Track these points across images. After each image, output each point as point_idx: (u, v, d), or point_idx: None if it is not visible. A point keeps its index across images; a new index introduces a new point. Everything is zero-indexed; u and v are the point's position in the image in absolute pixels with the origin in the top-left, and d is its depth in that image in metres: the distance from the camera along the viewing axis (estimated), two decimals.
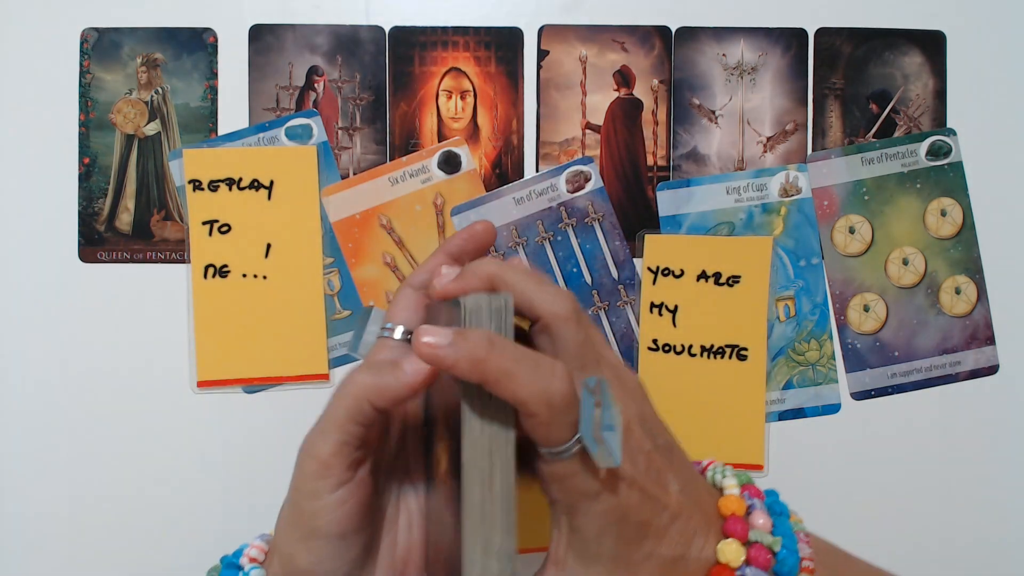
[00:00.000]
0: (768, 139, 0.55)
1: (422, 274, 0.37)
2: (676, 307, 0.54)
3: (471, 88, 0.54)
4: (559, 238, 0.54)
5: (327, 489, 0.32)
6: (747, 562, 0.32)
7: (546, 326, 0.32)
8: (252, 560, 0.35)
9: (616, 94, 0.55)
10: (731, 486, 0.35)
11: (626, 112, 0.55)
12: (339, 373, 0.53)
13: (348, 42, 0.54)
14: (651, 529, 0.31)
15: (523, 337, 0.33)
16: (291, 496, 0.34)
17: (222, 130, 0.54)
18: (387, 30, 0.54)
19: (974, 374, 0.55)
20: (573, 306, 0.32)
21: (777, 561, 0.33)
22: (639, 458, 0.31)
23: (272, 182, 0.53)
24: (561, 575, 0.31)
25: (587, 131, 0.55)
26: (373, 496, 0.34)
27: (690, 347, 0.54)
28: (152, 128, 0.54)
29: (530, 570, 0.32)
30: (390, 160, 0.54)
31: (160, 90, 0.54)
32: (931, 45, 0.55)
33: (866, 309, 0.55)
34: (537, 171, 0.54)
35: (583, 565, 0.31)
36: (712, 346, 0.54)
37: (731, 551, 0.32)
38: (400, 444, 0.38)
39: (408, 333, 0.35)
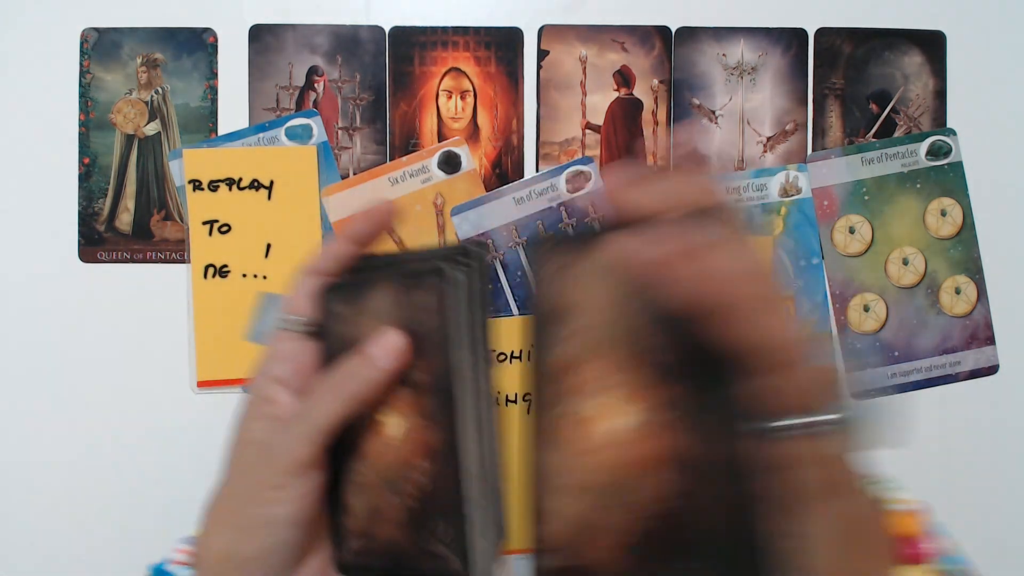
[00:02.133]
0: (768, 139, 0.55)
1: (323, 260, 0.36)
2: None
3: (471, 88, 0.54)
4: None
5: (294, 484, 0.32)
6: None
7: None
8: (178, 563, 0.35)
9: (616, 94, 0.55)
10: (902, 500, 0.29)
11: (626, 112, 0.55)
12: None
13: (348, 42, 0.54)
14: (857, 542, 0.25)
15: None
16: (241, 488, 0.33)
17: (222, 130, 0.54)
18: (387, 30, 0.54)
19: (974, 374, 0.55)
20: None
21: None
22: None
23: (272, 182, 0.53)
24: None
25: (587, 131, 0.55)
26: (324, 485, 0.34)
27: None
28: (152, 128, 0.54)
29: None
30: (390, 160, 0.54)
31: (160, 90, 0.54)
32: (931, 45, 0.55)
33: (866, 309, 0.55)
34: (537, 171, 0.54)
35: None
36: None
37: None
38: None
39: (309, 324, 0.35)
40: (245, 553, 0.32)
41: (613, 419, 0.26)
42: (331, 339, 0.36)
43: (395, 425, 0.33)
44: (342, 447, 0.35)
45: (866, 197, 0.55)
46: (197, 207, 0.53)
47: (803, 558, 0.24)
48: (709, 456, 0.24)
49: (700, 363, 0.24)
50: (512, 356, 0.51)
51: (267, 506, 0.32)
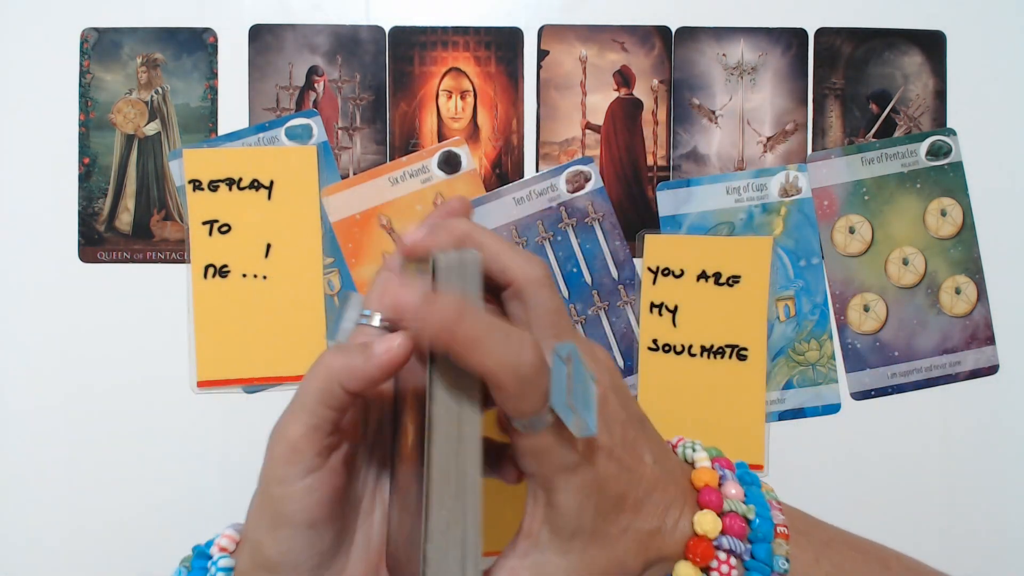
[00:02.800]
0: (768, 139, 0.55)
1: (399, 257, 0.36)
2: (676, 307, 0.54)
3: (471, 88, 0.54)
4: (559, 238, 0.54)
5: (297, 475, 0.31)
6: (723, 532, 0.32)
7: (519, 291, 0.32)
8: (222, 549, 0.34)
9: (616, 94, 0.55)
10: (702, 459, 0.35)
11: (626, 112, 0.55)
12: None
13: (348, 42, 0.54)
14: (628, 502, 0.31)
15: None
16: (261, 482, 0.33)
17: (222, 130, 0.54)
18: (387, 30, 0.54)
19: (974, 374, 0.55)
20: (545, 271, 0.32)
21: (752, 529, 0.33)
22: (615, 428, 0.31)
23: (272, 182, 0.53)
24: (534, 550, 0.31)
25: (587, 131, 0.55)
26: (346, 486, 0.33)
27: (690, 347, 0.54)
28: (152, 128, 0.54)
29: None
30: (390, 160, 0.54)
31: (160, 90, 0.54)
32: (931, 45, 0.55)
33: (866, 309, 0.55)
34: (537, 171, 0.54)
35: (558, 540, 0.30)
36: (712, 346, 0.54)
37: (708, 522, 0.32)
38: (377, 433, 0.36)
39: (387, 320, 0.34)
40: (269, 555, 0.32)
41: (408, 435, 0.33)
42: None
43: (409, 434, 0.33)
44: (396, 445, 0.35)
45: (866, 197, 0.55)
46: (197, 207, 0.53)
47: (565, 521, 0.30)
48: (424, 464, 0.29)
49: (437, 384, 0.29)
50: None
51: (277, 504, 0.32)
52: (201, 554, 0.35)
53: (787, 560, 0.33)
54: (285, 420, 0.32)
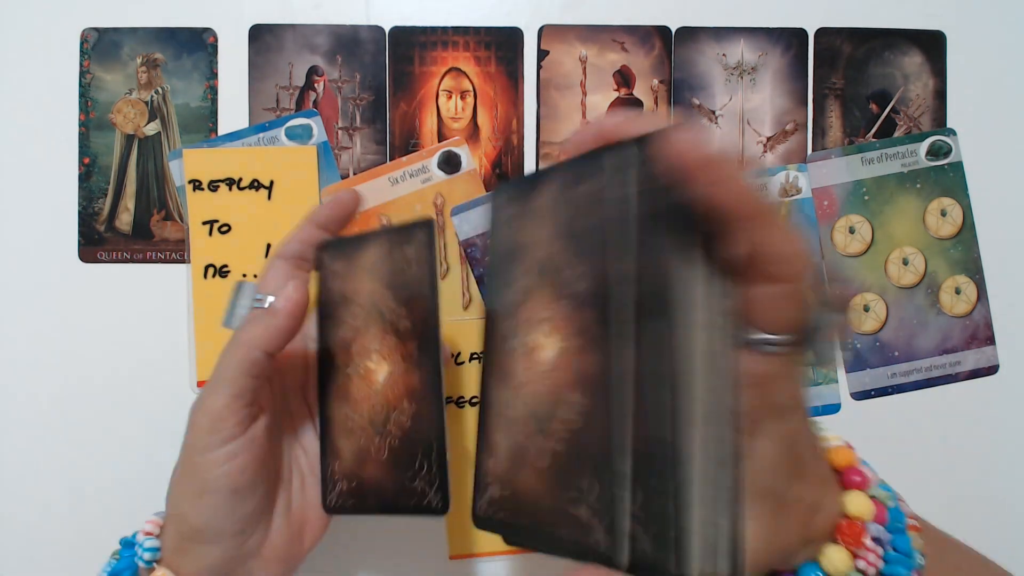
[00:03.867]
0: (768, 139, 0.55)
1: (292, 244, 0.38)
2: None
3: (471, 88, 0.54)
4: None
5: (218, 443, 0.33)
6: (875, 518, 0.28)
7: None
8: (147, 534, 0.35)
9: (616, 94, 0.55)
10: (834, 438, 0.31)
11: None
12: None
13: (348, 42, 0.54)
14: (806, 468, 0.27)
15: None
16: (183, 454, 0.35)
17: (222, 130, 0.54)
18: (387, 30, 0.54)
19: (974, 374, 0.55)
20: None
21: (890, 517, 0.29)
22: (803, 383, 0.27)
23: (272, 182, 0.53)
24: None
25: None
26: (266, 455, 0.35)
27: None
28: (152, 128, 0.54)
29: (555, 571, 0.32)
30: (390, 160, 0.54)
31: (160, 90, 0.54)
32: (931, 45, 0.55)
33: (866, 309, 0.55)
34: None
35: (749, 502, 0.26)
36: None
37: (862, 504, 0.28)
38: (284, 405, 0.39)
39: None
40: (194, 524, 0.33)
41: (541, 351, 0.27)
42: (326, 294, 0.38)
43: (380, 371, 0.35)
44: (332, 394, 0.37)
45: (866, 197, 0.55)
46: (197, 207, 0.53)
47: (760, 477, 0.25)
48: (607, 375, 0.23)
49: (610, 289, 0.24)
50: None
51: (200, 472, 0.34)
52: (128, 544, 0.36)
53: (923, 555, 0.29)
54: (206, 393, 0.34)
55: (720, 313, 0.23)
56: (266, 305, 0.36)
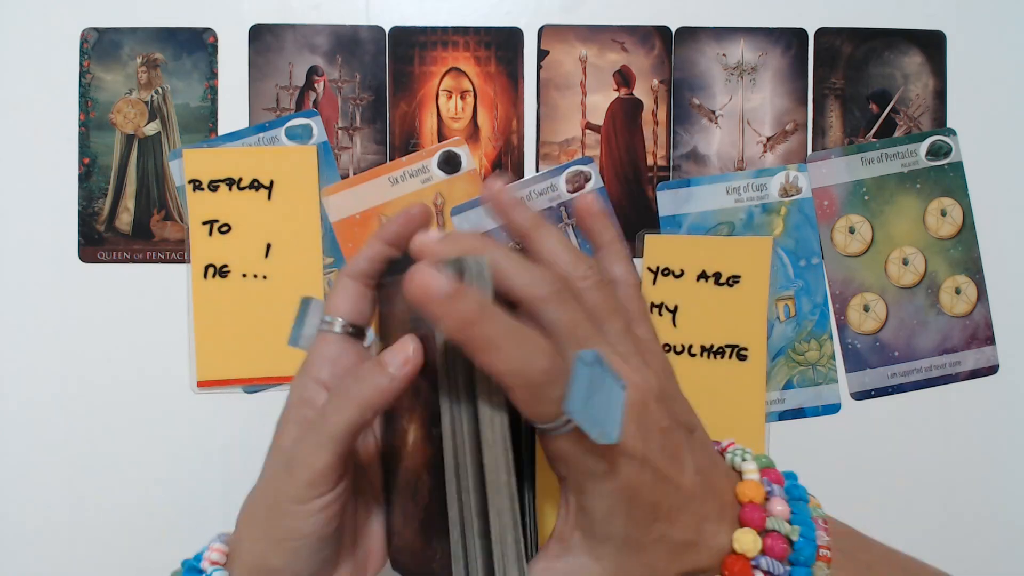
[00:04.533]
0: (768, 139, 0.55)
1: (360, 263, 0.36)
2: (676, 307, 0.54)
3: (471, 88, 0.54)
4: None
5: (316, 496, 0.32)
6: (763, 552, 0.31)
7: (529, 309, 0.31)
8: (213, 563, 0.34)
9: (616, 94, 0.55)
10: (750, 471, 0.33)
11: (626, 112, 0.55)
12: None
13: (348, 42, 0.54)
14: (662, 511, 0.30)
15: None
16: (270, 497, 0.33)
17: (222, 130, 0.54)
18: (387, 30, 0.54)
19: (974, 374, 0.55)
20: (552, 287, 0.30)
21: (794, 550, 0.31)
22: (653, 435, 0.30)
23: (272, 182, 0.53)
24: (567, 553, 0.30)
25: (587, 131, 0.55)
26: (351, 501, 0.34)
27: (690, 347, 0.54)
28: (152, 128, 0.54)
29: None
30: (390, 160, 0.54)
31: (160, 90, 0.54)
32: (931, 45, 0.55)
33: (866, 309, 0.55)
34: (537, 171, 0.54)
35: (590, 545, 0.30)
36: (712, 346, 0.54)
37: (747, 541, 0.31)
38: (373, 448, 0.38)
39: (348, 326, 0.35)
40: (272, 565, 0.33)
41: (408, 434, 0.33)
42: (383, 325, 0.36)
43: (410, 431, 0.33)
44: (390, 448, 0.36)
45: (866, 197, 0.55)
46: (197, 207, 0.53)
47: (596, 527, 0.30)
48: (446, 461, 0.29)
49: (448, 384, 0.29)
50: None
51: (290, 519, 0.32)
52: (192, 568, 0.35)
53: None
54: (311, 447, 0.32)
55: (483, 415, 0.28)
56: (336, 329, 0.35)
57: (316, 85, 0.54)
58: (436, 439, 0.30)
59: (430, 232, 0.32)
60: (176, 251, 0.54)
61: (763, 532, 0.31)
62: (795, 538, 0.32)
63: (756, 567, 0.31)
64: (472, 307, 0.27)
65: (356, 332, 0.35)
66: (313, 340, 0.36)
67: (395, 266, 0.36)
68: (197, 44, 0.54)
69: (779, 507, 0.32)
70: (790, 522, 0.32)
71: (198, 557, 0.35)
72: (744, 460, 0.34)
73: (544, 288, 0.31)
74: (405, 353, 0.31)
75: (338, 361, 0.34)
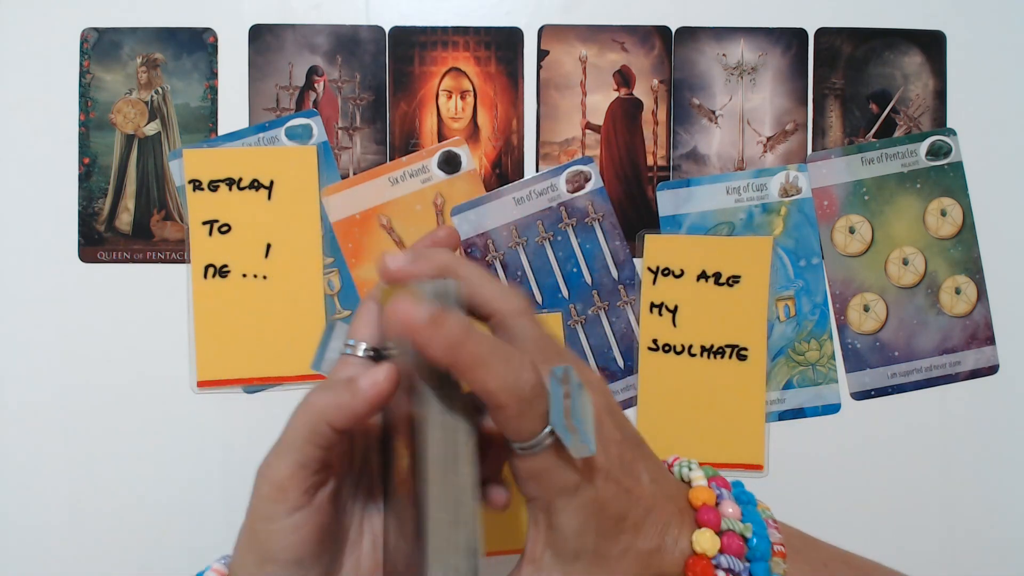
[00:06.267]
0: (768, 139, 0.55)
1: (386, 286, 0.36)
2: (676, 307, 0.54)
3: (471, 88, 0.54)
4: (559, 238, 0.54)
5: (283, 513, 0.31)
6: (721, 550, 0.32)
7: (501, 322, 0.32)
8: None
9: (616, 94, 0.55)
10: (699, 478, 0.35)
11: (626, 112, 0.55)
12: None
13: (348, 42, 0.54)
14: (628, 522, 0.31)
15: None
16: (247, 519, 0.32)
17: (222, 130, 0.54)
18: (387, 30, 0.54)
19: (974, 374, 0.55)
20: (524, 302, 0.32)
21: (749, 548, 0.33)
22: (611, 449, 0.31)
23: (272, 182, 0.53)
24: (538, 574, 0.31)
25: (587, 131, 0.55)
26: (332, 521, 0.33)
27: (690, 347, 0.54)
28: (152, 128, 0.54)
29: (504, 571, 0.32)
30: (390, 160, 0.54)
31: (160, 90, 0.54)
32: (931, 45, 0.55)
33: (866, 309, 0.55)
34: (537, 171, 0.54)
35: (561, 563, 0.31)
36: (712, 346, 0.54)
37: (706, 540, 0.32)
38: (363, 464, 0.37)
39: (370, 350, 0.34)
40: None
41: (401, 460, 0.33)
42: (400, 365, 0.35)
43: (403, 460, 0.33)
44: (390, 461, 0.35)
45: (866, 197, 0.55)
46: (197, 207, 0.53)
47: (568, 543, 0.30)
48: (422, 490, 0.29)
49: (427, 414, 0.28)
50: None
51: (262, 541, 0.32)
52: None
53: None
54: (272, 459, 0.32)
55: (454, 441, 0.28)
56: (359, 353, 0.34)
57: (316, 85, 0.54)
58: (418, 470, 0.29)
59: (396, 255, 0.33)
60: (176, 251, 0.54)
61: (719, 532, 0.33)
62: (749, 535, 0.33)
63: (717, 566, 0.32)
64: (456, 329, 0.27)
65: (378, 356, 0.35)
66: (335, 364, 0.35)
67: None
68: (197, 44, 0.54)
69: (730, 508, 0.34)
70: (741, 522, 0.34)
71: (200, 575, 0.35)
72: (691, 470, 0.36)
73: (517, 302, 0.32)
74: (375, 377, 0.31)
75: None
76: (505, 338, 0.32)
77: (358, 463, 0.36)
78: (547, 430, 0.29)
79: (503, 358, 0.28)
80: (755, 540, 0.33)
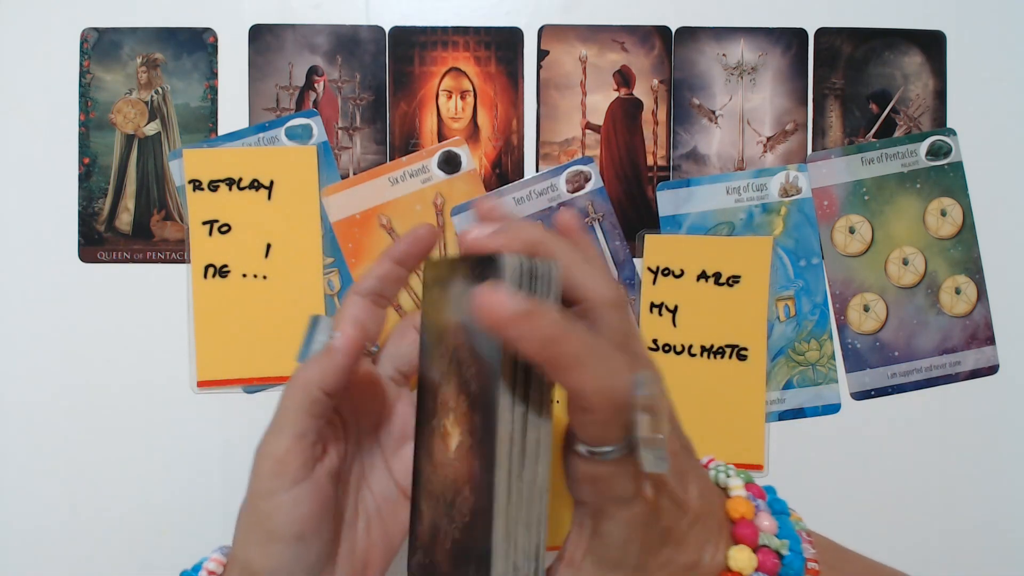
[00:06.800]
0: (768, 139, 0.55)
1: (370, 281, 0.36)
2: (676, 307, 0.54)
3: (471, 88, 0.54)
4: None
5: (283, 488, 0.31)
6: (757, 569, 0.31)
7: (590, 310, 0.29)
8: (211, 573, 0.34)
9: (616, 94, 0.55)
10: (736, 487, 0.34)
11: (626, 112, 0.55)
12: None
13: (348, 42, 0.54)
14: (673, 536, 0.30)
15: None
16: (248, 498, 0.33)
17: (222, 130, 0.54)
18: (387, 30, 0.54)
19: (974, 374, 0.55)
20: (621, 293, 0.30)
21: (784, 564, 0.32)
22: (671, 461, 0.29)
23: (272, 182, 0.53)
24: None
25: (587, 131, 0.55)
26: (331, 498, 0.33)
27: (690, 347, 0.54)
28: (152, 128, 0.54)
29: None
30: (390, 160, 0.54)
31: (160, 90, 0.54)
32: (931, 45, 0.55)
33: (866, 309, 0.55)
34: (537, 171, 0.54)
35: (600, 571, 0.30)
36: (712, 346, 0.54)
37: (743, 559, 0.31)
38: (355, 446, 0.37)
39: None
40: (257, 568, 0.32)
41: (451, 438, 0.31)
42: (426, 322, 0.34)
43: (453, 437, 0.31)
44: (422, 444, 0.34)
45: (866, 197, 0.55)
46: (197, 207, 0.53)
47: (610, 552, 0.29)
48: (488, 481, 0.27)
49: (493, 396, 0.27)
50: None
51: (263, 519, 0.32)
52: None
53: None
54: (268, 437, 0.32)
55: (535, 440, 0.27)
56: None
57: (316, 85, 0.54)
58: (486, 457, 0.28)
59: (483, 225, 0.30)
60: (176, 251, 0.54)
61: (755, 549, 0.32)
62: (784, 552, 0.32)
63: None
64: (552, 325, 0.25)
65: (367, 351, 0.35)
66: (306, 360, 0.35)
67: (429, 267, 0.34)
68: (197, 44, 0.54)
69: (766, 522, 0.32)
70: (777, 537, 0.32)
71: (197, 567, 0.35)
72: (729, 476, 0.34)
73: (613, 291, 0.29)
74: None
75: None
76: (591, 328, 0.29)
77: (351, 443, 0.37)
78: (626, 441, 0.27)
79: (602, 358, 0.26)
80: (790, 557, 0.32)
